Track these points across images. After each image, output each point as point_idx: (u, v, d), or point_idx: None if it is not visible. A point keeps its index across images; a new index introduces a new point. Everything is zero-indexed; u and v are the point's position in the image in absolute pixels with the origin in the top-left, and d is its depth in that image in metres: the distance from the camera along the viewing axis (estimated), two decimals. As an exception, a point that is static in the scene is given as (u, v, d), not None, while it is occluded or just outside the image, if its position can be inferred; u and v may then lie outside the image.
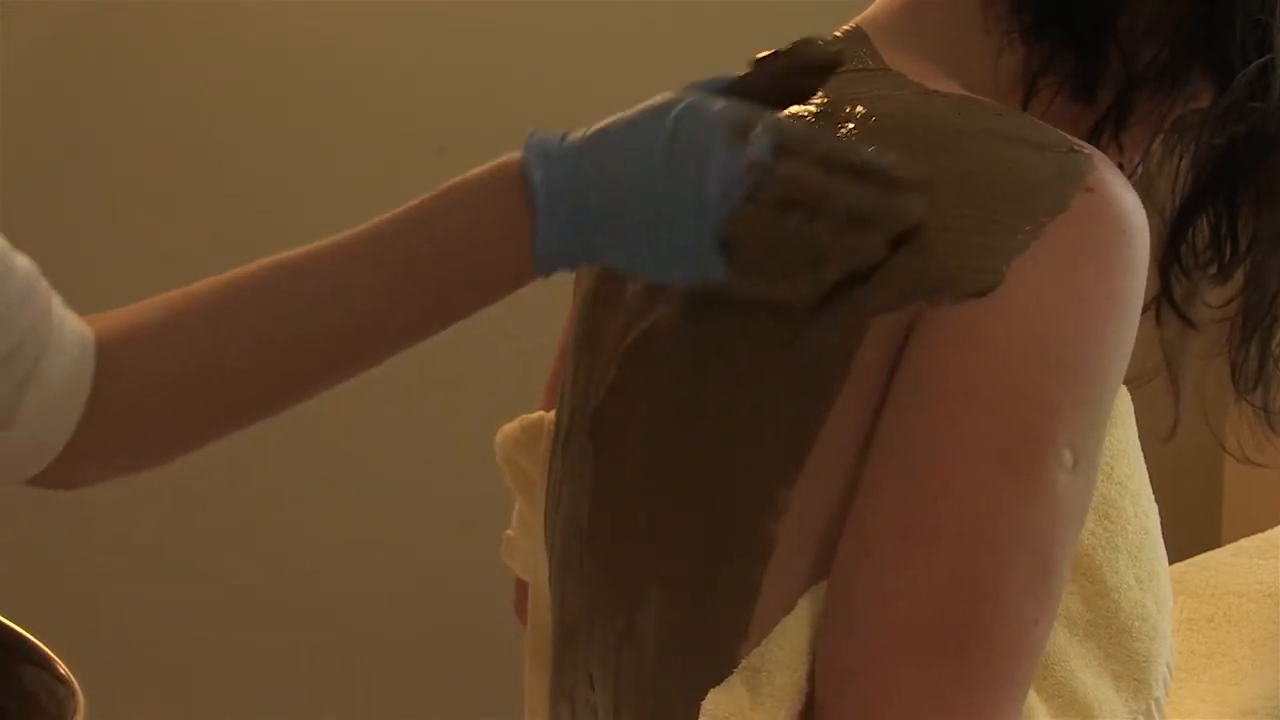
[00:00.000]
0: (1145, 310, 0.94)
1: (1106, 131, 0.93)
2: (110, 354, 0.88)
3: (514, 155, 0.88)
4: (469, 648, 2.03)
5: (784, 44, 0.88)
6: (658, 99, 0.86)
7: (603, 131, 0.87)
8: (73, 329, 0.87)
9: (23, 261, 0.85)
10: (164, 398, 0.89)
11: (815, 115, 0.90)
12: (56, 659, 0.92)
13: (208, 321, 0.89)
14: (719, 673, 0.86)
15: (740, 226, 0.83)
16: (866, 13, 0.98)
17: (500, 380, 1.77)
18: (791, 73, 0.88)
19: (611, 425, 0.95)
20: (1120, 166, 0.94)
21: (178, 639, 2.18)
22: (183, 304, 0.90)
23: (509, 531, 1.12)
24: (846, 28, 0.97)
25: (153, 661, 2.16)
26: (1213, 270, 0.94)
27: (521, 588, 1.15)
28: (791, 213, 0.83)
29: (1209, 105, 0.92)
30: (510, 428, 1.09)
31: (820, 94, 0.91)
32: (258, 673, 2.22)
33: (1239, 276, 0.95)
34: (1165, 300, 0.95)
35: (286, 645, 2.23)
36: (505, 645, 1.22)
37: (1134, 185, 0.90)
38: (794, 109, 0.90)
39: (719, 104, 0.85)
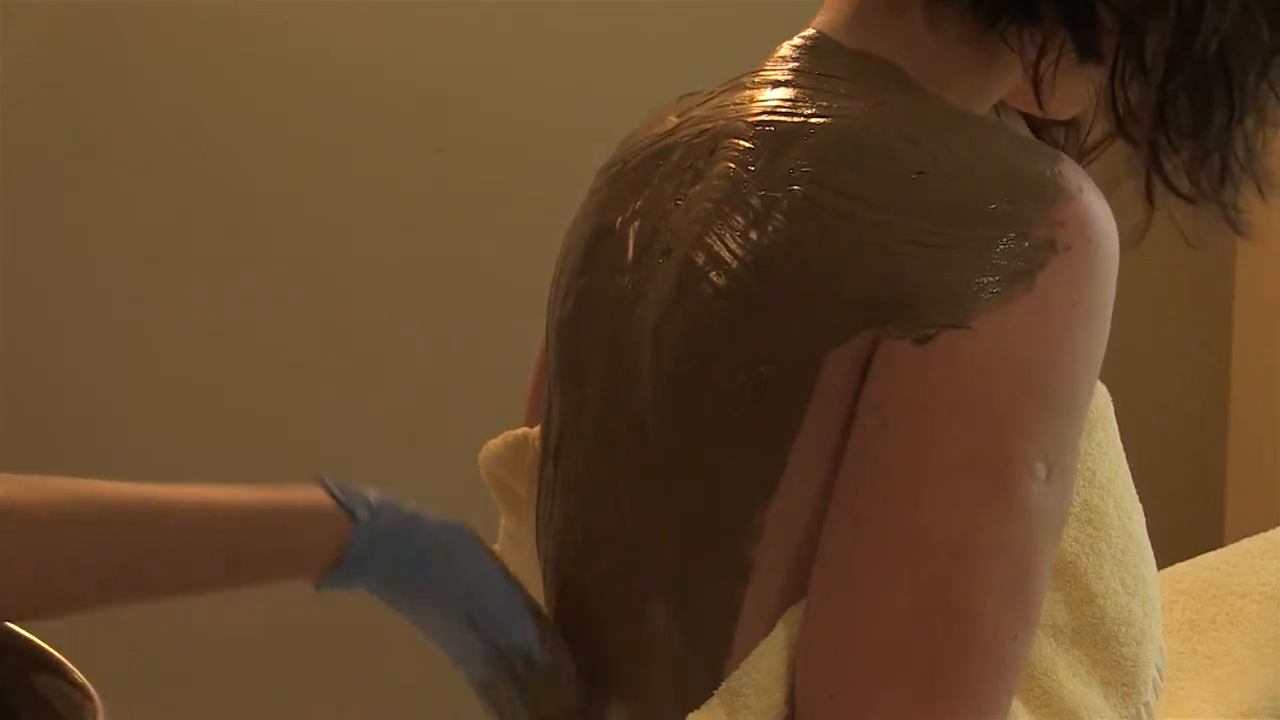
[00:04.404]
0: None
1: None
2: None
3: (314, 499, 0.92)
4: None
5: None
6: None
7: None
8: None
9: None
10: None
11: (772, 138, 0.87)
12: (70, 665, 0.91)
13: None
14: (708, 690, 0.86)
15: None
16: (821, 17, 0.95)
17: (488, 395, 1.76)
18: None
19: (598, 442, 0.94)
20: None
21: (191, 644, 2.17)
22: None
23: (495, 546, 1.12)
24: (808, 33, 0.95)
25: (167, 667, 2.15)
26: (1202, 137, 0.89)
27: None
28: None
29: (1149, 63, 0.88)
30: (494, 444, 1.09)
31: (785, 112, 0.89)
32: (267, 675, 2.22)
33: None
34: (1160, 181, 0.90)
35: (296, 649, 2.22)
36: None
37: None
38: (753, 117, 0.88)
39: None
